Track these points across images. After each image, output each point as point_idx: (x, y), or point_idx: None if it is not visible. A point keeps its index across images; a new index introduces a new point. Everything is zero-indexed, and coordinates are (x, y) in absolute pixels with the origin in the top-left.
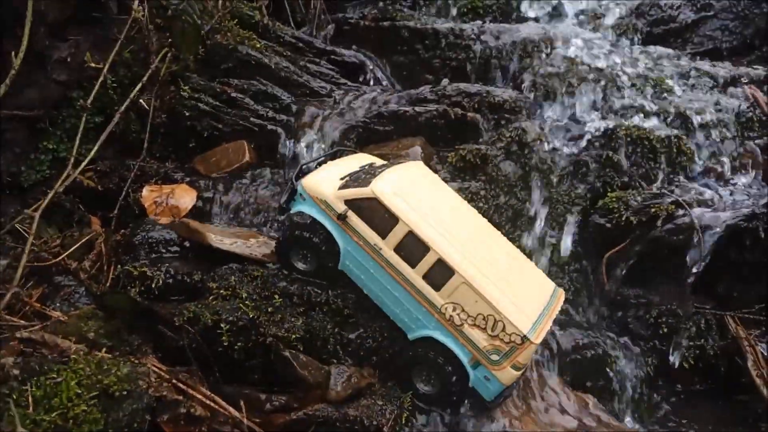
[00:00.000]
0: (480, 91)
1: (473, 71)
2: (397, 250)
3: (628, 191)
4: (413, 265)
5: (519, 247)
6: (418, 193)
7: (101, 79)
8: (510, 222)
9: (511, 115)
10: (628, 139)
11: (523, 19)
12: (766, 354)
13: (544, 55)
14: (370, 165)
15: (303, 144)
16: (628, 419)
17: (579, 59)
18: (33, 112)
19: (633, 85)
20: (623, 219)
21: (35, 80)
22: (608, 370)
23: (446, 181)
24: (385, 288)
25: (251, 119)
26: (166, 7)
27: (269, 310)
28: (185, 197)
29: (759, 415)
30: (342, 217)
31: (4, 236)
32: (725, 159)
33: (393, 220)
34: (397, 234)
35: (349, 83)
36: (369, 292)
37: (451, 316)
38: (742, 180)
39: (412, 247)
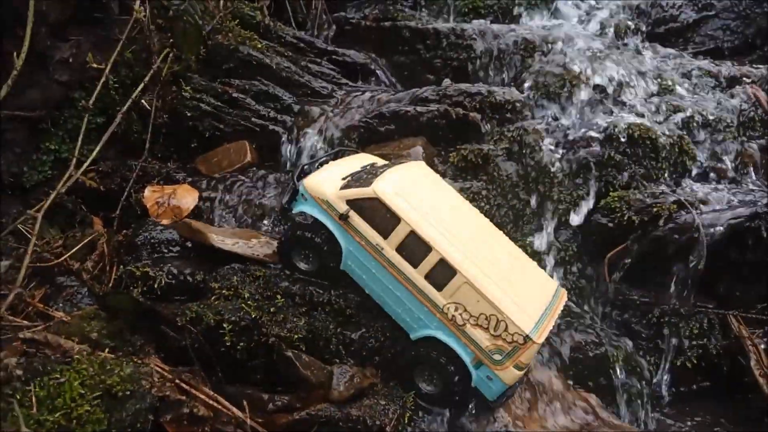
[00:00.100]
0: (481, 91)
1: (474, 71)
2: (399, 250)
3: (630, 191)
4: (415, 265)
5: (520, 246)
6: (419, 193)
7: (103, 79)
8: (511, 222)
9: (512, 114)
10: (630, 138)
11: (525, 19)
12: None
13: (545, 55)
14: (372, 165)
15: (304, 144)
16: (630, 419)
17: (580, 59)
18: (35, 112)
19: (635, 84)
20: (625, 218)
21: (37, 81)
22: (610, 369)
23: (448, 181)
24: (387, 288)
25: (253, 119)
26: (168, 8)
27: (271, 310)
28: (187, 197)
29: (762, 414)
30: (344, 217)
31: (6, 237)
32: (727, 158)
33: (395, 220)
34: (398, 234)
35: (351, 83)
36: (371, 292)
37: (453, 315)
38: (744, 179)
39: (414, 247)
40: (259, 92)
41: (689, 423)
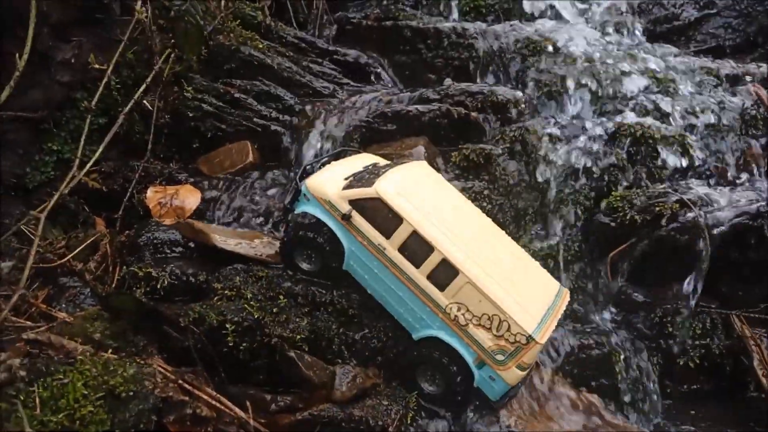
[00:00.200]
0: (483, 91)
1: (476, 70)
2: (402, 250)
3: (633, 190)
4: (417, 265)
5: (522, 246)
6: (421, 192)
7: (105, 80)
8: (514, 221)
9: (514, 114)
10: (632, 137)
11: (526, 18)
12: None
13: (546, 54)
14: (374, 165)
15: (306, 144)
16: (633, 418)
17: (582, 58)
18: (37, 113)
19: (637, 83)
20: (628, 218)
21: (39, 81)
22: (613, 369)
23: (450, 181)
24: (389, 288)
25: (254, 120)
26: (169, 8)
27: (274, 310)
28: (189, 198)
29: (765, 414)
30: (346, 217)
31: (9, 238)
32: (729, 157)
33: (397, 220)
34: (401, 234)
35: (352, 83)
36: (373, 292)
37: (455, 316)
38: (746, 178)
39: (417, 247)
40: (260, 92)
41: (692, 423)
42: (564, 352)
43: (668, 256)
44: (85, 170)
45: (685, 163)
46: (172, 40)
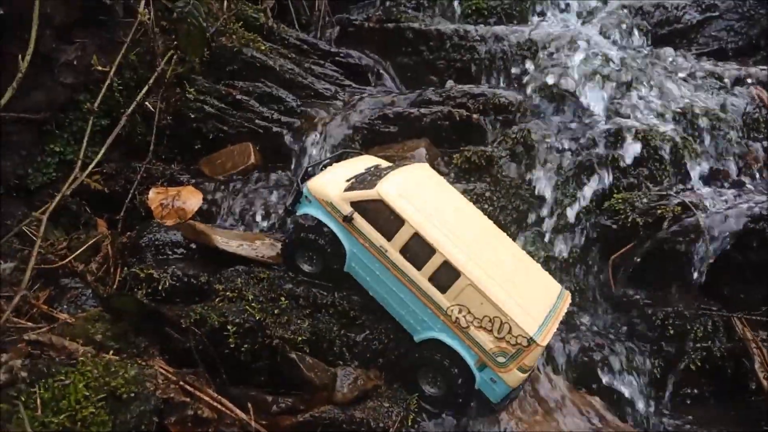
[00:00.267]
0: (485, 93)
1: (478, 72)
2: (403, 252)
3: (634, 192)
4: (419, 267)
5: (523, 248)
6: (423, 194)
7: (108, 82)
8: (515, 223)
9: (516, 116)
10: (634, 139)
11: (528, 21)
12: None
13: (548, 57)
14: (376, 167)
15: (308, 146)
16: (633, 420)
17: (584, 60)
18: (39, 114)
19: (639, 85)
20: (629, 220)
21: (42, 83)
22: (614, 371)
23: (451, 183)
24: (390, 290)
25: (256, 121)
26: (172, 10)
27: (275, 312)
28: (191, 199)
29: (766, 416)
30: (348, 219)
31: (11, 239)
32: (731, 160)
33: (399, 222)
34: (402, 236)
35: (354, 85)
36: (375, 294)
37: (457, 318)
38: (748, 181)
39: (418, 249)
40: (262, 94)
41: (693, 425)
42: (565, 354)
43: (670, 258)
44: (87, 171)
45: (687, 165)
46: (175, 42)
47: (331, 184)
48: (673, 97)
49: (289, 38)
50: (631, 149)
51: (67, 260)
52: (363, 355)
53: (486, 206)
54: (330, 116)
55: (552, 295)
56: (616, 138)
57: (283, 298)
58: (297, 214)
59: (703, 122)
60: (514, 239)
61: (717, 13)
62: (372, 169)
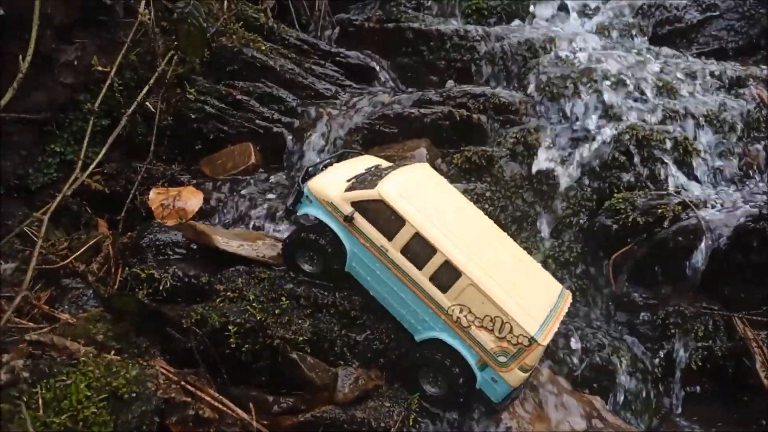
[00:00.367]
0: (485, 93)
1: (478, 72)
2: (404, 251)
3: (635, 192)
4: (420, 267)
5: (524, 248)
6: (424, 194)
7: (108, 82)
8: (516, 223)
9: (516, 116)
10: (635, 139)
11: (528, 21)
12: None
13: (548, 56)
14: (376, 167)
15: (308, 146)
16: (634, 420)
17: (584, 60)
18: (40, 115)
19: (639, 85)
20: (630, 220)
21: (42, 83)
22: (615, 371)
23: (452, 183)
24: (391, 290)
25: (257, 121)
26: (172, 10)
27: (276, 312)
28: (192, 199)
29: (767, 415)
30: (348, 219)
31: (12, 239)
32: (732, 159)
33: (399, 221)
34: (403, 236)
35: (354, 85)
36: (375, 293)
37: (458, 317)
38: (748, 181)
39: (419, 249)
40: (263, 94)
41: (694, 425)
42: (566, 354)
43: (671, 258)
44: (87, 172)
45: (687, 165)
46: (175, 42)
47: (332, 184)
48: (673, 97)
49: (289, 38)
50: (631, 149)
51: (68, 260)
52: (364, 354)
53: (486, 206)
54: (330, 116)
55: (553, 294)
56: (616, 138)
57: (284, 298)
58: (298, 214)
59: (703, 122)
60: (514, 239)
61: (717, 13)
62: (372, 169)
